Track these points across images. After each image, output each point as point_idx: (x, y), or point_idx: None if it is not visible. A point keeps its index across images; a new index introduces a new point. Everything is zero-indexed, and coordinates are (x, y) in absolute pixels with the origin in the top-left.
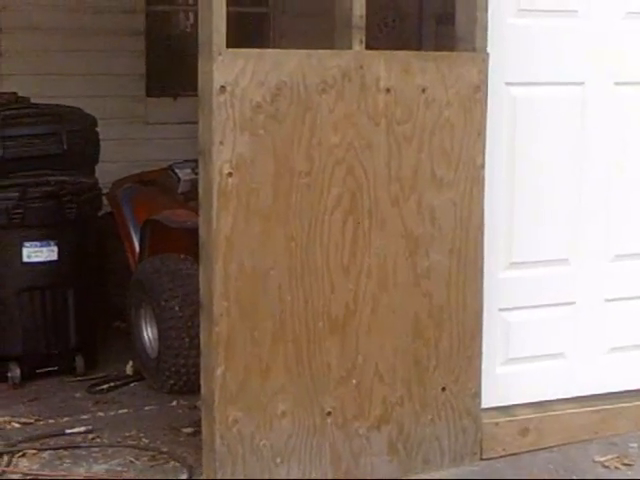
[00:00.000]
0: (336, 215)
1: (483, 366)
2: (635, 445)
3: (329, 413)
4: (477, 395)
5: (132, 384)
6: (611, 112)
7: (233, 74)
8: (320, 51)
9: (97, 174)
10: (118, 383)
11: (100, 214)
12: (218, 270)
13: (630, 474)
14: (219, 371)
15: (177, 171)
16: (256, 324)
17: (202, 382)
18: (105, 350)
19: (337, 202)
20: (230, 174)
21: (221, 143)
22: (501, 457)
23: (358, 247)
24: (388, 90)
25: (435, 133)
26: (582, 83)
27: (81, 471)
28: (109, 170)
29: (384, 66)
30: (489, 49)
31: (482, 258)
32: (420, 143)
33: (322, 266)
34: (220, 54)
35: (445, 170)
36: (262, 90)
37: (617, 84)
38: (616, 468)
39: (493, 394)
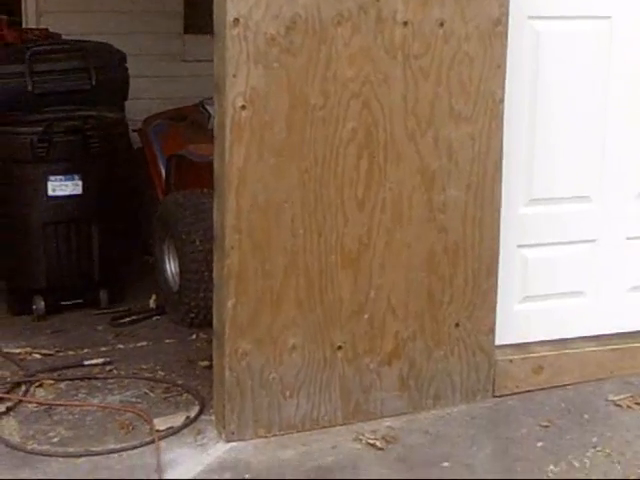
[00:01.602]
0: (351, 149)
1: (500, 303)
2: None
3: (340, 347)
4: (491, 332)
5: (154, 318)
6: (639, 47)
7: (247, 6)
8: None
9: (133, 111)
10: (140, 316)
11: (133, 149)
12: (230, 203)
13: None
14: (230, 304)
15: (207, 107)
16: (268, 257)
17: (214, 315)
18: (133, 284)
19: (352, 136)
20: (243, 107)
21: (234, 76)
22: (514, 394)
23: (373, 181)
24: (405, 23)
25: (453, 67)
26: (609, 17)
27: (95, 401)
28: (146, 107)
29: None
30: None
31: (500, 194)
32: (438, 77)
33: (336, 200)
34: None
35: (463, 104)
36: (276, 23)
37: None
38: (629, 407)
39: (509, 331)
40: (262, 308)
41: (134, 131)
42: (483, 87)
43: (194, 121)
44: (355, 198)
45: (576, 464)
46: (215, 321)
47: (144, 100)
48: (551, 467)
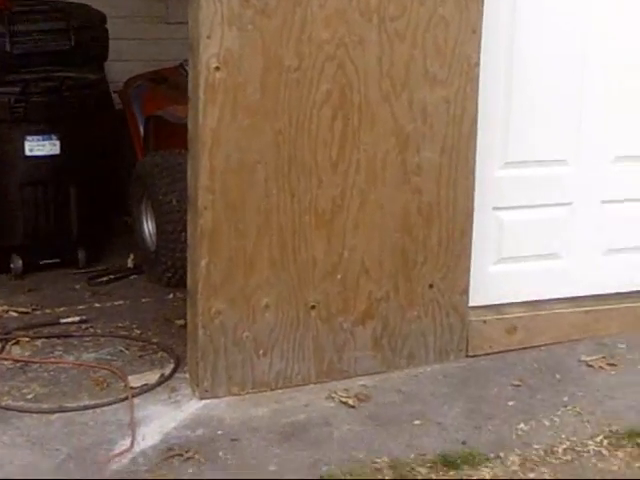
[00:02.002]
0: (325, 111)
1: (475, 264)
2: (623, 346)
3: (313, 307)
4: (465, 292)
5: (132, 277)
6: (616, 13)
7: None
8: None
9: (116, 72)
10: (118, 276)
11: (115, 111)
12: (204, 163)
13: (613, 373)
14: (203, 263)
15: (188, 69)
16: (241, 217)
17: (188, 274)
18: (111, 244)
19: (326, 98)
20: (217, 68)
21: (208, 37)
22: (487, 354)
23: (347, 143)
24: None
25: (429, 30)
26: None
27: (71, 359)
28: (128, 69)
29: None
30: None
31: (474, 156)
32: (413, 40)
33: (310, 161)
34: None
35: (438, 67)
36: None
37: None
38: (600, 368)
39: (484, 292)
40: (235, 268)
41: (115, 92)
42: (458, 50)
43: (174, 83)
44: (329, 159)
45: (546, 422)
46: (189, 280)
47: (127, 62)
48: (521, 425)
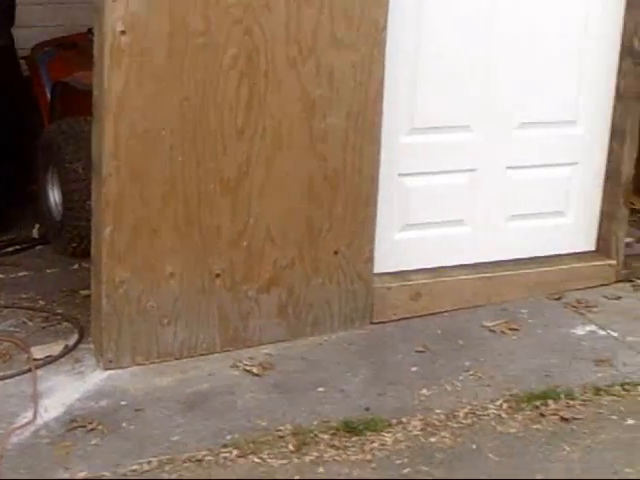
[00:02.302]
0: (231, 76)
1: (380, 232)
2: (525, 311)
3: (218, 275)
4: (370, 260)
5: (37, 247)
6: None
7: None
8: None
9: (26, 39)
10: (24, 246)
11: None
12: (108, 130)
13: (514, 338)
14: (107, 231)
15: None
16: (146, 185)
17: (92, 242)
18: (17, 214)
19: (233, 63)
20: (123, 32)
21: (114, 0)
22: (391, 321)
23: (253, 109)
24: None
25: None
26: None
27: None
28: (38, 35)
29: None
30: None
31: (380, 122)
32: (320, 4)
33: (215, 128)
34: None
35: (345, 32)
36: None
37: None
38: (502, 333)
39: (388, 259)
40: (140, 236)
41: (22, 58)
42: (366, 14)
43: (83, 48)
44: (235, 126)
45: (448, 387)
46: (93, 249)
47: (37, 28)
48: (424, 391)
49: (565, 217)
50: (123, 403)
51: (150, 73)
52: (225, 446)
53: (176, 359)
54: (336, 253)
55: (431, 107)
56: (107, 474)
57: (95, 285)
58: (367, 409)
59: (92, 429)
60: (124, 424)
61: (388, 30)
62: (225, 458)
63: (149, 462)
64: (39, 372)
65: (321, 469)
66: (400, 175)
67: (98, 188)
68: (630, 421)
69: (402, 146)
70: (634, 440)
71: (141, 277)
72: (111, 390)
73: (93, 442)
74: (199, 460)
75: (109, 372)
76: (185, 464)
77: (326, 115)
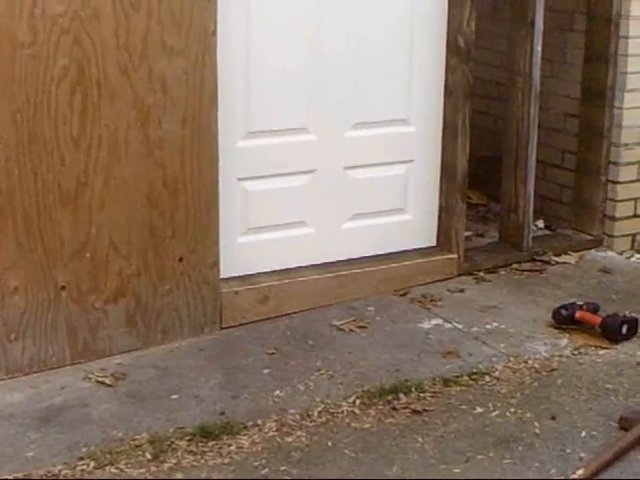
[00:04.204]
0: (63, 86)
1: (223, 236)
2: (372, 309)
3: (63, 287)
4: (215, 265)
5: None
6: None
7: None
8: None
9: None
10: None
11: None
12: None
13: (363, 336)
14: None
15: None
16: None
17: None
18: None
19: (64, 73)
20: None
21: None
22: (241, 325)
23: (87, 118)
24: None
25: (164, 0)
26: None
27: None
28: None
29: None
30: None
31: (216, 127)
32: (149, 11)
33: (51, 139)
34: None
35: (175, 38)
36: None
37: None
38: (351, 331)
39: (234, 264)
40: None
41: None
42: (195, 20)
43: None
44: (70, 136)
45: (301, 387)
46: None
47: None
48: (277, 392)
49: (405, 214)
50: None
51: None
52: (81, 459)
53: (26, 374)
54: (181, 260)
55: (266, 111)
56: None
57: None
58: (222, 413)
59: None
60: None
61: (218, 36)
62: (82, 471)
63: None
64: None
65: (179, 475)
66: (239, 179)
67: None
68: (479, 409)
69: (240, 150)
70: (484, 428)
71: None
72: None
73: None
74: (55, 475)
75: None
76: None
77: (161, 122)
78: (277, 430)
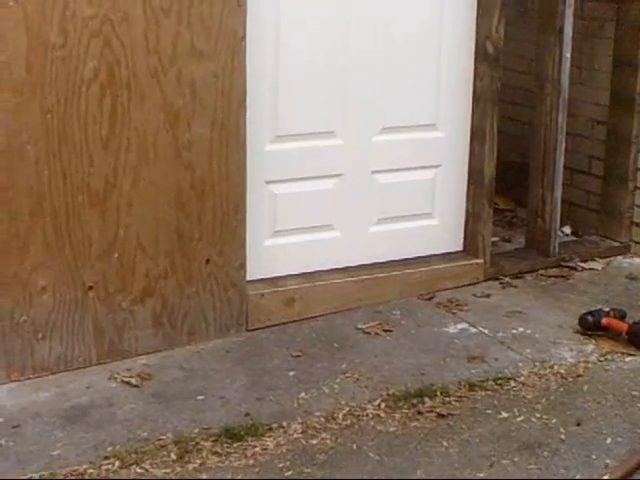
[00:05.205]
0: (93, 88)
1: (250, 238)
2: (398, 312)
3: (91, 287)
4: (242, 267)
5: None
6: None
7: None
8: None
9: None
10: None
11: None
12: None
13: (389, 339)
14: None
15: None
16: (13, 199)
17: None
18: None
19: (94, 75)
20: None
21: None
22: (266, 327)
23: (117, 121)
24: None
25: (194, 5)
26: None
27: None
28: None
29: None
30: None
31: (245, 130)
32: (179, 15)
33: (80, 140)
34: None
35: (205, 42)
36: None
37: None
38: (376, 334)
39: (260, 266)
40: (8, 251)
41: None
42: (224, 24)
43: None
44: (100, 138)
45: (326, 390)
46: None
47: None
48: (302, 394)
49: (432, 219)
50: (1, 420)
51: (10, 86)
52: (107, 458)
53: (52, 374)
54: (208, 262)
55: (294, 115)
56: None
57: None
58: (247, 415)
59: None
60: (2, 441)
61: (247, 40)
62: (107, 470)
63: (30, 479)
64: None
65: (204, 475)
66: (267, 182)
67: None
68: (504, 414)
69: (267, 153)
70: (509, 432)
71: (12, 292)
72: None
73: None
74: (81, 474)
75: None
76: (67, 478)
77: (190, 125)
78: (302, 432)
